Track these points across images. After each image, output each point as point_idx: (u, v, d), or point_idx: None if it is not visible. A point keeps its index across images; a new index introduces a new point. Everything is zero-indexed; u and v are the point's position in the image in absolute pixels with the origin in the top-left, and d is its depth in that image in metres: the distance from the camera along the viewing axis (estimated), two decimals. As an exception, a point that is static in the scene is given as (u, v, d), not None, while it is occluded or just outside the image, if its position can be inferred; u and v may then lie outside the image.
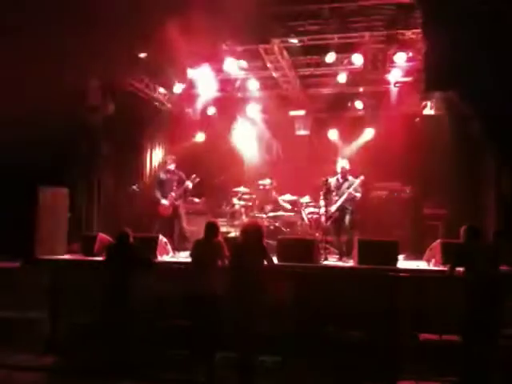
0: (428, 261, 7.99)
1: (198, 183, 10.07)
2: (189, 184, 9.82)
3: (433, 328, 6.65)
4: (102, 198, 10.98)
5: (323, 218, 9.17)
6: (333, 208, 9.06)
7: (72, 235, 9.71)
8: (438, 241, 8.00)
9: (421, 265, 8.00)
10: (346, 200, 9.12)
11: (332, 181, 9.27)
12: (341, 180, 9.29)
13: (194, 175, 9.95)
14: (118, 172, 11.59)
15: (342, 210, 9.13)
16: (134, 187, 10.06)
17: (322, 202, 9.31)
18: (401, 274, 7.13)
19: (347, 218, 9.09)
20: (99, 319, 6.98)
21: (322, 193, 9.32)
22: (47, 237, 8.95)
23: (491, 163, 8.92)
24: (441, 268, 7.28)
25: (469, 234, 5.98)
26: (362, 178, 9.24)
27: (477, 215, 9.67)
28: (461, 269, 5.85)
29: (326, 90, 12.39)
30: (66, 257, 8.85)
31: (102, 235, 8.93)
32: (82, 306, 7.60)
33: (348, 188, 9.17)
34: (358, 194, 9.17)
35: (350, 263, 8.22)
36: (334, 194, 9.21)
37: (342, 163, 9.41)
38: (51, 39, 7.99)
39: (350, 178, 9.29)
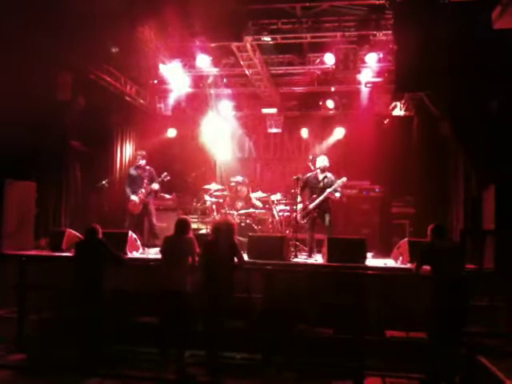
0: (396, 259, 8.13)
1: (168, 179, 10.03)
2: (155, 186, 9.76)
3: (400, 325, 6.76)
4: (70, 192, 10.84)
5: (299, 215, 9.18)
6: (311, 205, 9.10)
7: (39, 230, 9.58)
8: (406, 239, 8.15)
9: (388, 263, 8.13)
10: (324, 199, 9.14)
11: (310, 176, 9.31)
12: (320, 176, 9.30)
13: (164, 173, 9.90)
14: (87, 167, 11.45)
15: (319, 208, 9.15)
16: (104, 182, 9.95)
17: (298, 198, 9.29)
18: (369, 272, 7.23)
19: (326, 216, 9.12)
20: (68, 316, 6.91)
21: (298, 189, 9.31)
22: (14, 231, 8.82)
23: (460, 164, 9.09)
24: (408, 266, 7.42)
25: (435, 233, 6.09)
26: (344, 179, 9.16)
27: (444, 215, 9.87)
28: (428, 267, 5.96)
29: (298, 89, 12.46)
30: (34, 252, 8.72)
31: (70, 231, 8.84)
32: (50, 303, 7.51)
33: (328, 187, 9.11)
34: (338, 194, 9.11)
35: (320, 261, 8.30)
36: (311, 190, 9.23)
37: (322, 159, 9.36)
38: (21, 32, 7.86)
39: (329, 174, 9.29)
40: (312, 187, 9.24)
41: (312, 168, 9.69)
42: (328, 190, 9.03)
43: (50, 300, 7.53)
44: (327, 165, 9.31)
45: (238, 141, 13.97)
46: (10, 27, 7.91)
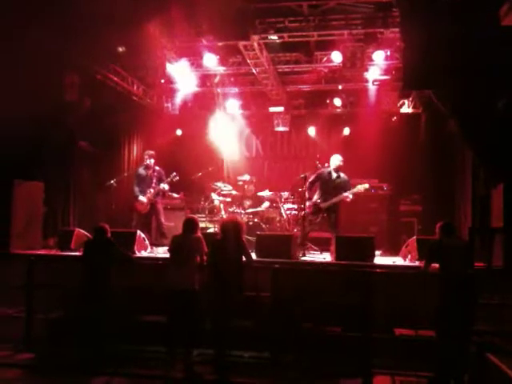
0: (404, 257, 8.11)
1: (177, 180, 10.04)
2: (164, 186, 9.77)
3: (409, 323, 6.74)
4: (78, 192, 10.89)
5: (309, 210, 9.18)
6: (324, 205, 9.11)
7: (48, 230, 9.63)
8: (414, 237, 8.13)
9: (397, 261, 8.11)
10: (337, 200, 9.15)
11: (324, 173, 9.30)
12: (334, 175, 9.27)
13: (174, 173, 9.90)
14: (94, 167, 11.50)
15: (330, 207, 9.17)
16: (112, 182, 9.97)
17: (306, 194, 9.29)
18: (377, 270, 7.21)
19: (333, 215, 9.13)
20: (76, 315, 6.93)
21: (306, 183, 9.30)
22: (23, 231, 8.87)
23: (468, 162, 9.06)
24: (416, 264, 7.40)
25: (444, 231, 6.06)
26: (366, 186, 9.16)
27: (452, 212, 9.83)
28: (436, 265, 5.93)
29: (305, 87, 12.45)
30: (42, 252, 8.76)
31: (79, 230, 8.88)
32: (58, 302, 7.54)
33: (341, 187, 9.13)
34: (351, 196, 9.09)
35: (328, 259, 8.29)
36: (323, 187, 9.22)
37: (336, 158, 9.32)
38: (28, 33, 7.90)
39: (342, 174, 9.29)
40: (323, 184, 9.22)
41: (319, 167, 9.70)
42: (345, 194, 9.01)
43: (58, 299, 7.56)
44: (341, 164, 9.29)
45: (245, 139, 13.98)
46: (17, 27, 7.95)
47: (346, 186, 9.16)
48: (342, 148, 12.62)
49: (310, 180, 9.33)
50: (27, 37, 8.03)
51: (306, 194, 9.24)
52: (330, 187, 9.16)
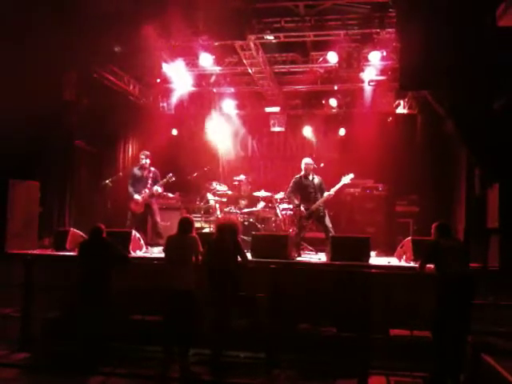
0: (399, 257, 8.11)
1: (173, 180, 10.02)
2: (158, 189, 9.73)
3: (404, 324, 6.75)
4: (74, 192, 10.86)
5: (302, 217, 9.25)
6: (314, 206, 9.20)
7: (43, 230, 9.59)
8: (409, 238, 8.13)
9: (392, 261, 8.12)
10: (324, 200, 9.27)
11: (301, 178, 9.46)
12: (310, 178, 9.45)
13: (170, 174, 9.87)
14: (91, 166, 11.47)
15: (319, 209, 9.27)
16: (107, 182, 9.94)
17: (296, 201, 9.38)
18: (372, 270, 7.22)
19: (324, 216, 9.19)
20: (71, 315, 6.91)
21: (288, 193, 9.58)
22: (18, 231, 8.83)
23: (463, 162, 9.08)
24: (412, 264, 7.41)
25: (440, 231, 6.06)
26: (351, 176, 9.30)
27: (448, 213, 9.85)
28: (432, 266, 5.94)
29: (301, 87, 12.45)
30: (38, 252, 8.73)
31: (74, 230, 8.85)
32: (54, 302, 7.52)
33: (319, 187, 9.36)
34: (333, 192, 9.27)
35: (324, 259, 8.30)
36: (305, 191, 9.31)
37: (304, 162, 9.58)
38: (27, 34, 7.89)
39: (316, 176, 9.49)
40: (303, 190, 9.38)
41: (315, 167, 9.73)
42: (329, 192, 9.15)
43: (54, 299, 7.54)
44: (309, 166, 9.52)
45: (241, 139, 13.97)
46: (15, 27, 7.93)
47: (322, 185, 9.43)
48: (338, 148, 12.67)
49: (288, 190, 9.54)
50: (26, 36, 8.01)
51: (295, 201, 9.29)
52: (311, 190, 9.37)
